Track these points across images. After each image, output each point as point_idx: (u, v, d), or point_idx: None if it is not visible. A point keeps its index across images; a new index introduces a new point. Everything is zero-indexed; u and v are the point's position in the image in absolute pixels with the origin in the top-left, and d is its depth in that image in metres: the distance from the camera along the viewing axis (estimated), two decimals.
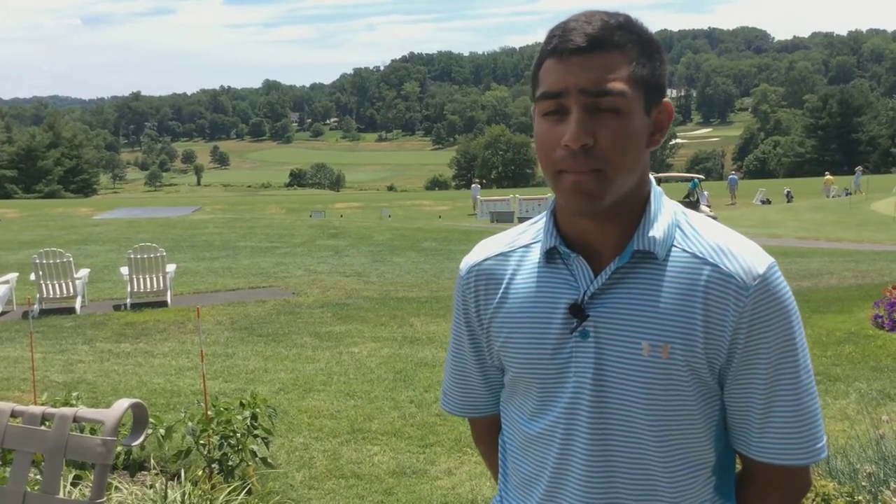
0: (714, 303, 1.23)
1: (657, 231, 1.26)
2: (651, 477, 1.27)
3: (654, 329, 1.24)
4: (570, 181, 1.20)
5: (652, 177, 1.32)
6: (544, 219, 1.36)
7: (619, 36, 1.20)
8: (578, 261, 1.29)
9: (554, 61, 1.21)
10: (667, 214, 1.28)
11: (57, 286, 11.08)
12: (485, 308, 1.40)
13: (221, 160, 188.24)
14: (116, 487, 4.08)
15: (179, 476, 4.34)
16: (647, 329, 1.24)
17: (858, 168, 44.99)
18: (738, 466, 1.39)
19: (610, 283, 1.27)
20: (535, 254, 1.36)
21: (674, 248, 1.26)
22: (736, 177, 45.12)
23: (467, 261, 1.44)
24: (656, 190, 1.30)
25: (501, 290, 1.38)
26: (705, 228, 1.29)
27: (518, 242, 1.40)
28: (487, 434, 1.56)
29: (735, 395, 1.28)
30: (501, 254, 1.40)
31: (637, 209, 1.27)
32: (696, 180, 27.88)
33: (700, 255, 1.25)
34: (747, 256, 1.24)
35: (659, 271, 1.26)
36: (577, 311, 1.27)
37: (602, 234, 1.27)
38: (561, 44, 1.20)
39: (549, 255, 1.33)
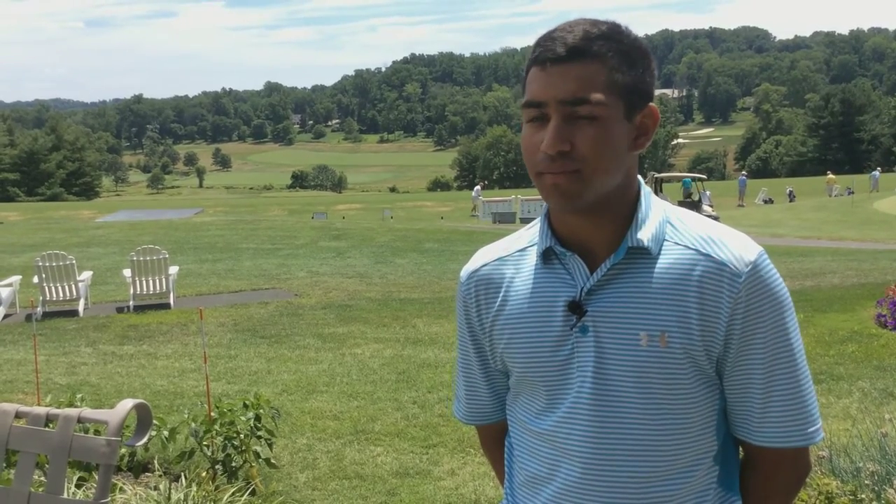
0: (709, 291, 1.26)
1: (649, 228, 1.30)
2: (652, 466, 1.29)
3: (651, 319, 1.27)
4: (549, 182, 1.26)
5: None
6: (539, 223, 1.39)
7: (599, 45, 1.24)
8: (574, 259, 1.32)
9: (537, 70, 1.26)
10: (657, 212, 1.33)
11: (60, 289, 11.10)
12: (486, 313, 1.43)
13: (223, 162, 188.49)
14: (121, 489, 4.08)
15: (183, 477, 4.35)
16: (644, 320, 1.27)
17: (878, 169, 45.72)
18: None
19: (606, 279, 1.30)
20: (532, 256, 1.39)
21: (666, 243, 1.31)
22: (745, 177, 45.05)
23: (466, 269, 1.48)
24: (645, 189, 1.35)
25: (501, 294, 1.41)
26: (693, 222, 1.33)
27: (515, 247, 1.44)
28: (495, 440, 1.58)
29: (734, 383, 1.31)
30: (499, 259, 1.44)
31: (627, 208, 1.32)
32: (686, 180, 27.39)
33: (692, 247, 1.29)
34: (737, 245, 1.29)
35: (653, 265, 1.29)
36: (576, 308, 1.30)
37: (595, 232, 1.31)
38: (543, 53, 1.25)
39: (546, 256, 1.36)
